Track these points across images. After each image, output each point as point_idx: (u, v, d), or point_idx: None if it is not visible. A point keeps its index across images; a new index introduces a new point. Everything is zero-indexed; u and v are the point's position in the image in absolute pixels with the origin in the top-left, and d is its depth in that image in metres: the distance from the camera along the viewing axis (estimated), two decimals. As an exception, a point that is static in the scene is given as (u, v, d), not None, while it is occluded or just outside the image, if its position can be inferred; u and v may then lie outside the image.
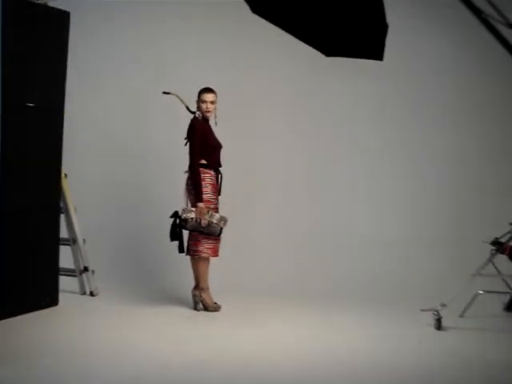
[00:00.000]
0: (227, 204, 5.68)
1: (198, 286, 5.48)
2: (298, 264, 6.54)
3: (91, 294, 5.92)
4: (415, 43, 6.58)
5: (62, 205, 5.80)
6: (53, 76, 5.40)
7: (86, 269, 5.93)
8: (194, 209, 5.31)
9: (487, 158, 6.53)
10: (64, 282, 5.70)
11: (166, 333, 4.92)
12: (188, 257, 5.57)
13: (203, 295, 5.46)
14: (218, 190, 5.51)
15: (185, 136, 5.52)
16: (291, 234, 6.65)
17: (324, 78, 6.63)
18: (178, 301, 5.73)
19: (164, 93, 5.56)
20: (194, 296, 5.50)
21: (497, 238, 5.25)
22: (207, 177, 5.42)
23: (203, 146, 5.43)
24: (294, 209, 6.72)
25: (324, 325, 5.22)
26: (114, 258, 6.52)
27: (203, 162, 5.42)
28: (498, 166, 6.46)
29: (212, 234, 5.39)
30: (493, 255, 5.21)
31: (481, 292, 5.42)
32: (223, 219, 5.42)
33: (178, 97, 5.52)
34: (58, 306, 5.46)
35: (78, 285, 5.94)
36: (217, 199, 5.51)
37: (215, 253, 5.48)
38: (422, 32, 6.54)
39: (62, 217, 5.82)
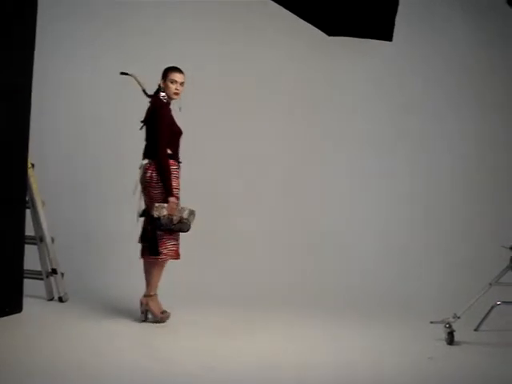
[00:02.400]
0: (212, 201, 5.75)
1: (146, 292, 5.30)
2: (290, 269, 6.48)
3: (60, 299, 5.81)
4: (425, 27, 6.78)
5: (27, 198, 5.71)
6: (19, 55, 5.32)
7: (54, 271, 5.82)
8: (165, 205, 5.16)
9: (503, 156, 6.64)
10: (29, 285, 5.58)
11: (144, 344, 4.83)
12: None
13: (150, 304, 5.27)
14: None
15: (142, 119, 5.33)
16: (284, 236, 6.65)
17: (326, 65, 6.78)
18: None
19: (122, 73, 5.42)
20: (141, 305, 5.30)
21: (517, 243, 5.19)
22: (174, 169, 5.26)
23: (169, 133, 5.27)
24: (289, 207, 6.74)
25: (322, 338, 5.12)
26: (85, 258, 6.43)
27: (169, 151, 5.26)
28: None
29: (181, 230, 5.25)
30: (513, 261, 5.15)
31: (499, 303, 5.30)
32: (192, 213, 5.29)
33: (136, 78, 5.36)
34: (22, 312, 5.33)
35: (44, 289, 5.82)
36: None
37: (178, 255, 5.33)
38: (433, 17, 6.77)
39: (28, 212, 5.72)
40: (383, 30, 4.97)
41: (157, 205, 5.15)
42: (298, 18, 4.79)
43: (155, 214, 5.12)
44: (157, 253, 5.20)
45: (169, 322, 5.29)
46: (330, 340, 5.06)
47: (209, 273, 6.37)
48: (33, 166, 5.72)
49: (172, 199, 5.16)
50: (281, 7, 4.69)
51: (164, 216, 5.12)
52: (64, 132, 6.75)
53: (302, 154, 6.86)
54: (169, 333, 5.09)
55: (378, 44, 4.99)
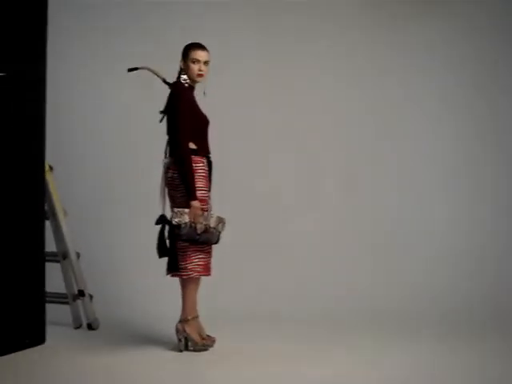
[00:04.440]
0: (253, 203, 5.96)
1: (182, 316, 4.88)
2: (306, 281, 6.36)
3: (89, 326, 5.51)
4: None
5: (46, 207, 5.40)
6: (30, 41, 5.02)
7: (81, 293, 5.56)
8: (187, 210, 4.73)
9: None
10: (53, 311, 5.33)
11: (186, 378, 4.50)
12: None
13: (188, 329, 4.82)
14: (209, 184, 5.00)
15: (161, 109, 4.92)
16: (295, 245, 6.51)
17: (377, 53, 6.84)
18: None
19: (130, 70, 5.07)
20: (177, 331, 4.85)
21: None
22: (199, 167, 4.79)
23: (192, 123, 4.83)
24: (302, 214, 6.61)
25: (354, 362, 4.71)
26: (112, 277, 6.28)
27: (192, 146, 4.81)
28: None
29: (209, 242, 4.81)
30: None
31: None
32: (221, 221, 4.85)
33: (150, 69, 4.98)
34: (45, 344, 5.01)
35: (70, 315, 5.58)
36: (209, 197, 4.95)
37: (208, 270, 4.89)
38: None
39: (48, 224, 5.44)
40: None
41: (176, 210, 4.72)
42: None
43: (174, 221, 4.69)
44: (176, 268, 4.78)
45: (211, 349, 4.88)
46: (365, 365, 4.62)
47: (253, 289, 6.24)
48: (51, 168, 5.40)
49: (194, 203, 4.70)
50: None
51: (185, 224, 4.68)
52: (82, 129, 6.61)
53: (356, 152, 6.79)
54: (212, 363, 4.66)
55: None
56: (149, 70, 4.98)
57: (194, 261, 4.80)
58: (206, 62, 4.85)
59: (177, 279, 4.88)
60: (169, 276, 4.86)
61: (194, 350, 4.80)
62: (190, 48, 4.87)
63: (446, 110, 6.81)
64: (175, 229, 4.69)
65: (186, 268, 4.79)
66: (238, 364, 4.61)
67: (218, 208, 4.96)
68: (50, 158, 5.31)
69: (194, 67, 4.83)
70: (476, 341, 5.18)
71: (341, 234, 6.60)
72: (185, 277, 4.80)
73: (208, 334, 4.92)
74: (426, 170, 6.78)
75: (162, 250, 4.79)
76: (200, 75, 4.84)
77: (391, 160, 6.78)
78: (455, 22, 6.74)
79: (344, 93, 6.79)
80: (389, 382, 4.29)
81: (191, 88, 4.89)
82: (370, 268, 6.50)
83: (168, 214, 4.80)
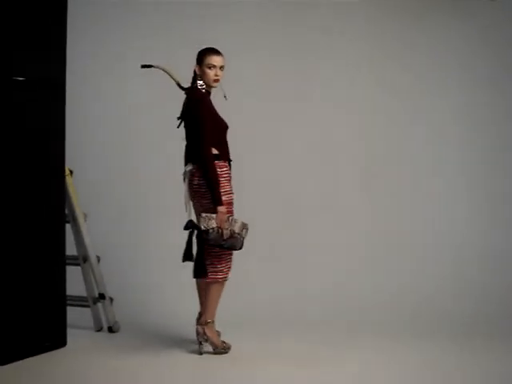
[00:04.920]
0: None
1: (203, 319, 4.87)
2: (318, 282, 6.28)
3: (110, 329, 5.47)
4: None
5: (66, 211, 5.39)
6: (49, 43, 5.02)
7: (101, 296, 5.51)
8: (214, 215, 4.72)
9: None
10: (73, 314, 5.31)
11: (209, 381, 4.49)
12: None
13: (208, 332, 4.80)
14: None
15: (178, 115, 4.87)
16: (308, 245, 6.49)
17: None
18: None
19: (143, 66, 4.98)
20: (197, 334, 4.84)
21: None
22: (224, 171, 4.79)
23: (213, 129, 4.80)
24: (316, 215, 6.59)
25: (380, 366, 4.64)
26: (132, 280, 6.22)
27: (215, 151, 4.80)
28: None
29: (233, 247, 4.80)
30: None
31: None
32: (245, 227, 4.82)
33: (165, 70, 4.89)
34: (66, 347, 4.99)
35: (91, 318, 5.52)
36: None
37: (229, 273, 4.96)
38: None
39: (68, 227, 5.41)
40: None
41: (203, 215, 4.70)
42: None
43: (202, 226, 4.68)
44: (203, 273, 4.77)
45: (232, 352, 4.86)
46: (393, 372, 4.52)
47: (271, 291, 6.19)
48: (71, 172, 5.37)
49: (221, 208, 4.69)
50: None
51: (213, 229, 4.67)
52: (102, 132, 6.58)
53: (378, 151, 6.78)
54: (233, 366, 4.64)
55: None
56: (164, 70, 4.89)
57: (228, 264, 4.84)
58: (221, 67, 4.81)
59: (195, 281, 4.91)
60: (193, 279, 4.87)
61: (215, 353, 4.78)
62: (205, 53, 4.80)
63: (463, 111, 6.74)
64: (203, 234, 4.69)
65: (222, 271, 4.80)
66: (259, 366, 4.60)
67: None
68: (69, 161, 5.25)
69: (210, 73, 4.78)
70: (492, 341, 5.10)
71: (355, 235, 6.54)
72: (220, 280, 4.79)
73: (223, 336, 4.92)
74: (444, 170, 6.71)
75: (187, 255, 4.78)
76: (216, 80, 4.80)
77: (408, 160, 6.71)
78: (469, 20, 6.68)
79: (359, 92, 6.72)
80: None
81: (208, 93, 4.85)
82: (384, 268, 6.40)
83: (194, 219, 4.81)
